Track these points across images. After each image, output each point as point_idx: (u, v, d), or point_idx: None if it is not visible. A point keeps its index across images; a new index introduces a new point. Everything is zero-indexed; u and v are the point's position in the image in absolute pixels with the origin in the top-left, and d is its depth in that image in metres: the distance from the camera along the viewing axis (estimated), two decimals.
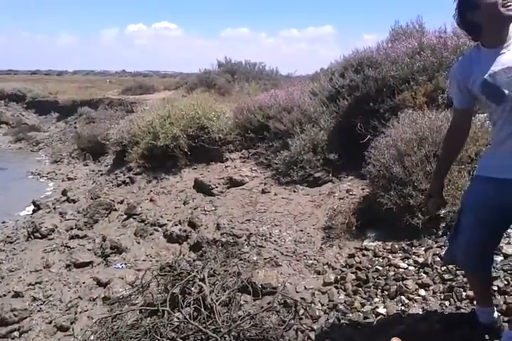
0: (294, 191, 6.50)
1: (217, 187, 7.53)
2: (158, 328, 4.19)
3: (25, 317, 6.00)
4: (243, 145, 8.64)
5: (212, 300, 4.36)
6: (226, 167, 8.20)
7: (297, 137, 7.10)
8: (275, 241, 5.28)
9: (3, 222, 9.79)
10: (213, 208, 6.91)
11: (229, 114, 9.41)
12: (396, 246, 4.04)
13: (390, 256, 3.97)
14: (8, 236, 8.77)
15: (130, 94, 20.83)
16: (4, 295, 6.69)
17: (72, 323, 5.66)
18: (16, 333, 5.78)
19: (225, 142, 8.77)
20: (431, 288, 3.39)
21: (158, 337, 4.09)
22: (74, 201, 9.57)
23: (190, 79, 17.43)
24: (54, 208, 9.55)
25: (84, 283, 6.41)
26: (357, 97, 6.45)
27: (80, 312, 5.81)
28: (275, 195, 6.57)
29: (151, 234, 7.08)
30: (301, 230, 5.32)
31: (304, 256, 4.78)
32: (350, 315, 3.51)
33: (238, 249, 5.42)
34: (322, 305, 3.86)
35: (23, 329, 5.78)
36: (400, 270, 3.71)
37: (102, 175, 11.41)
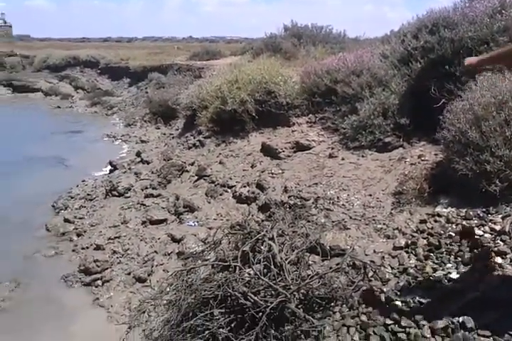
0: (363, 156, 6.35)
1: (283, 151, 7.50)
2: (230, 282, 4.30)
3: (107, 268, 6.39)
4: (310, 110, 8.48)
5: (281, 258, 4.41)
6: (293, 131, 8.12)
7: (366, 101, 6.87)
8: (343, 205, 5.23)
9: (83, 181, 10.30)
10: (280, 171, 6.91)
11: (295, 79, 9.23)
12: (471, 213, 3.88)
13: (464, 222, 3.82)
14: (88, 194, 9.23)
15: (197, 60, 20.89)
16: (87, 248, 7.15)
17: (149, 275, 5.98)
18: (99, 282, 6.19)
19: (291, 106, 8.64)
20: (508, 256, 3.25)
21: (231, 291, 4.21)
22: (148, 162, 9.89)
23: (255, 45, 17.13)
24: (129, 168, 9.93)
25: (159, 238, 6.70)
26: (431, 60, 6.09)
27: (156, 266, 6.11)
28: (342, 159, 6.46)
29: (220, 195, 7.23)
30: (370, 195, 5.23)
31: (373, 220, 4.71)
32: (421, 279, 3.44)
33: (306, 211, 5.43)
34: (392, 268, 3.81)
35: (105, 279, 6.18)
36: (475, 237, 3.57)
37: (173, 138, 11.67)
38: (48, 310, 5.67)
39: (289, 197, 5.98)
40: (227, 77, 10.16)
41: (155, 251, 6.43)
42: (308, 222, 5.15)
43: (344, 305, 3.78)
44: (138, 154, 10.74)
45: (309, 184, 6.05)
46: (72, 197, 9.24)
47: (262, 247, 4.83)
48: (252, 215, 6.11)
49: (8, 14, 63.82)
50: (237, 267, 4.57)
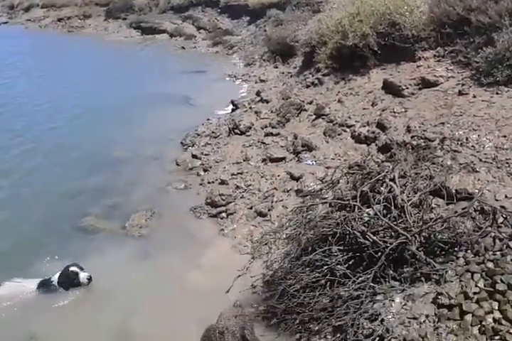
0: (497, 93, 5.76)
1: (407, 88, 7.05)
2: (349, 221, 4.29)
3: (230, 202, 6.75)
4: (438, 43, 7.74)
5: (402, 200, 4.28)
6: (418, 66, 7.54)
7: (505, 31, 6.10)
8: (472, 146, 4.86)
9: (208, 119, 10.71)
10: (403, 110, 6.56)
11: (423, 8, 8.38)
12: None
13: None
14: (212, 132, 9.63)
15: None
16: (213, 182, 7.57)
17: (269, 210, 6.21)
18: (223, 214, 6.59)
19: (417, 39, 7.95)
20: None
21: (350, 229, 4.22)
22: (267, 101, 9.94)
23: None
24: (250, 108, 10.08)
25: (278, 176, 6.86)
26: None
27: (276, 202, 6.32)
28: (474, 97, 5.92)
29: (339, 134, 7.10)
30: (504, 136, 4.78)
31: (507, 163, 4.33)
32: None
33: (430, 153, 5.14)
34: None
35: (229, 212, 6.55)
36: None
37: (291, 76, 11.52)
38: (179, 238, 6.21)
39: (412, 137, 5.69)
40: (347, 9, 9.57)
41: (275, 188, 6.62)
42: (433, 163, 4.89)
43: (469, 251, 3.61)
44: (257, 93, 10.82)
45: (435, 123, 5.68)
46: (198, 135, 9.71)
47: (381, 188, 4.71)
48: (372, 155, 5.95)
49: None
50: (356, 206, 4.54)
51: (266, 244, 4.87)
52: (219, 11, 26.77)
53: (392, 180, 4.65)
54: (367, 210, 4.45)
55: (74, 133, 10.90)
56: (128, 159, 9.14)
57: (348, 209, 4.70)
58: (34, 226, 6.80)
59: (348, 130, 7.07)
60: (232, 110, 10.84)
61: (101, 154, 9.43)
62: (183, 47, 22.73)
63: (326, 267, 4.16)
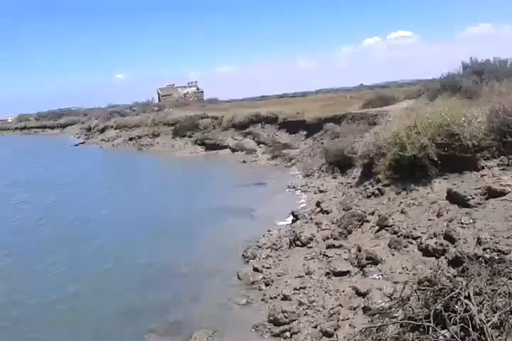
0: None
1: (473, 198, 6.90)
2: None
3: (294, 320, 6.48)
4: (501, 151, 7.74)
5: (481, 320, 3.96)
6: (482, 176, 7.47)
7: None
8: None
9: (269, 231, 10.82)
10: (471, 221, 6.36)
11: (481, 118, 8.56)
12: None
13: None
14: (274, 244, 9.65)
15: (371, 107, 20.93)
16: (275, 297, 7.38)
17: (335, 330, 5.88)
18: (287, 333, 6.29)
19: (478, 149, 7.99)
20: None
21: None
22: (327, 212, 10.01)
23: (431, 86, 16.56)
24: (310, 218, 10.16)
25: (343, 291, 6.61)
26: None
27: (342, 320, 6.00)
28: None
29: (405, 247, 6.90)
30: None
31: None
32: None
33: (506, 267, 4.84)
34: None
35: (293, 331, 6.25)
36: None
37: (350, 187, 11.68)
38: None
39: (484, 249, 5.44)
40: (404, 122, 9.92)
41: (340, 305, 6.34)
42: (510, 279, 4.57)
43: None
44: (317, 204, 10.97)
45: (508, 235, 5.44)
46: (259, 247, 9.75)
47: (456, 306, 4.41)
48: (442, 270, 5.66)
49: (200, 81, 72.49)
50: (430, 328, 4.24)
51: None
52: (277, 126, 28.52)
53: (468, 297, 4.36)
54: (442, 332, 4.13)
55: (136, 246, 11.29)
56: (189, 273, 9.20)
57: (421, 329, 4.39)
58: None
59: (414, 242, 6.87)
60: (293, 221, 10.94)
61: (162, 268, 9.57)
62: (244, 161, 23.97)
63: None
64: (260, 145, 27.18)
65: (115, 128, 44.05)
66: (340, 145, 15.41)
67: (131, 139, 38.24)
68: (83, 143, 45.50)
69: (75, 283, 9.07)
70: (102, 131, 46.37)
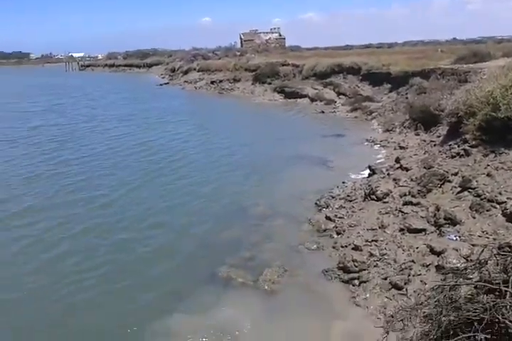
0: None
1: None
2: (499, 308, 3.92)
3: (364, 269, 6.56)
4: None
5: None
6: None
7: None
8: None
9: (343, 182, 10.79)
10: None
11: None
12: None
13: None
14: (348, 195, 9.62)
15: (463, 63, 19.47)
16: (346, 246, 7.47)
17: (405, 284, 5.91)
18: (355, 281, 6.42)
19: None
20: None
21: (500, 317, 3.84)
22: (407, 169, 9.73)
23: None
24: (388, 174, 9.95)
25: (417, 248, 6.55)
26: None
27: (413, 275, 6.00)
28: None
29: (487, 211, 6.63)
30: None
31: None
32: None
33: None
34: None
35: (362, 279, 6.36)
36: None
37: (434, 145, 11.21)
38: (309, 300, 6.16)
39: None
40: (500, 81, 9.23)
41: (412, 261, 6.31)
42: None
43: None
44: (397, 160, 10.67)
45: None
46: (333, 197, 9.78)
47: None
48: None
49: (283, 28, 70.65)
50: (508, 293, 4.13)
51: (401, 320, 4.61)
52: (360, 78, 27.44)
53: None
54: None
55: (216, 183, 11.78)
56: (264, 213, 9.51)
57: (497, 293, 4.29)
58: (177, 272, 7.27)
59: (498, 207, 6.58)
60: (369, 175, 10.78)
61: (241, 206, 9.96)
62: (322, 112, 23.54)
63: None
64: (340, 96, 26.42)
65: (198, 71, 44.47)
66: (426, 101, 14.64)
67: (212, 83, 38.52)
68: (167, 83, 46.65)
69: (157, 216, 9.65)
70: (186, 72, 47.04)
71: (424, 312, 4.54)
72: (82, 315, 6.10)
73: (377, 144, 14.99)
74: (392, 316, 4.95)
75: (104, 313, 6.08)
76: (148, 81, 51.24)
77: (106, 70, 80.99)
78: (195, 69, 45.58)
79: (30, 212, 9.96)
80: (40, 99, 35.06)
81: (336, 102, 25.38)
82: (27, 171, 13.28)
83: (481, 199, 6.94)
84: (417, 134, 13.88)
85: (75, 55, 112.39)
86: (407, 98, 18.87)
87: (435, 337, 4.20)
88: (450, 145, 9.85)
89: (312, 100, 27.28)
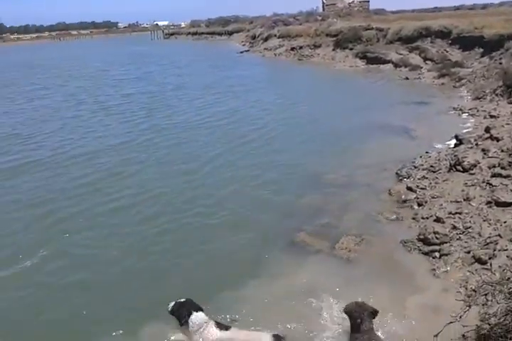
0: None
1: None
2: None
3: (445, 242, 6.33)
4: None
5: None
6: None
7: None
8: None
9: (427, 152, 10.32)
10: None
11: None
12: None
13: None
14: (431, 166, 9.21)
15: None
16: (427, 218, 7.23)
17: (490, 258, 5.64)
18: (436, 253, 6.21)
19: None
20: None
21: None
22: (497, 139, 9.10)
23: None
24: (476, 144, 9.36)
25: (505, 222, 6.20)
26: None
27: (499, 250, 5.71)
28: None
29: None
30: None
31: None
32: None
33: None
34: None
35: (443, 252, 6.14)
36: None
37: None
38: (387, 270, 6.07)
39: None
40: None
41: (499, 235, 5.99)
42: None
43: None
44: (487, 130, 9.99)
45: None
46: (415, 167, 9.42)
47: None
48: None
49: None
50: None
51: (486, 294, 4.44)
52: (449, 42, 25.69)
53: None
54: None
55: (296, 152, 11.74)
56: (342, 183, 9.38)
57: None
58: (255, 239, 7.34)
59: None
60: (455, 145, 10.22)
61: (318, 175, 9.88)
62: (406, 78, 22.43)
63: None
64: (427, 61, 24.91)
65: (278, 37, 43.77)
66: None
67: (292, 49, 37.80)
68: (247, 50, 46.48)
69: (235, 184, 9.88)
70: (266, 39, 46.50)
71: (510, 287, 4.34)
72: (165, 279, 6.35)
73: (465, 113, 14.06)
74: (475, 290, 4.79)
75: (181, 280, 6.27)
76: (230, 48, 51.38)
77: (189, 38, 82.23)
78: (275, 35, 44.88)
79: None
80: (130, 68, 36.58)
81: (421, 68, 24.00)
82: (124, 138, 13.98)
83: None
84: (510, 102, 12.86)
85: (160, 23, 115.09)
86: (500, 63, 17.44)
87: None
88: None
89: (396, 66, 26.01)
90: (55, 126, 16.05)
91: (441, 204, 7.41)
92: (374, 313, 4.59)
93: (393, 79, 22.59)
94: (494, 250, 5.73)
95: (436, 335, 4.21)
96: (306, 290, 5.68)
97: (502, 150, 8.38)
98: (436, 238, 6.38)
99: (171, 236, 7.58)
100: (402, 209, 7.92)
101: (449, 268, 5.79)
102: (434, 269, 5.88)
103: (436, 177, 8.60)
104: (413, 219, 7.40)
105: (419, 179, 8.81)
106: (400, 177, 9.23)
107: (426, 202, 7.78)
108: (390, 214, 7.75)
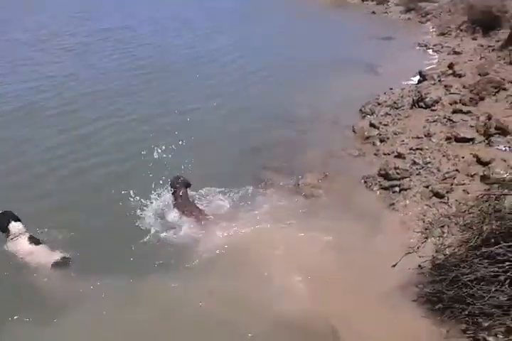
0: None
1: None
2: None
3: (405, 177, 6.40)
4: None
5: None
6: None
7: None
8: None
9: (391, 89, 10.22)
10: None
11: None
12: None
13: None
14: (394, 102, 9.15)
15: None
16: (388, 154, 7.26)
17: (447, 192, 5.76)
18: (396, 188, 6.29)
19: None
20: None
21: None
22: (460, 75, 9.04)
23: None
24: (439, 80, 9.29)
25: (463, 157, 6.27)
26: None
27: (457, 185, 5.82)
28: None
29: None
30: None
31: None
32: None
33: None
34: None
35: (403, 187, 6.22)
36: None
37: (492, 50, 10.27)
38: (348, 204, 6.10)
39: None
40: None
41: (456, 170, 6.08)
42: None
43: None
44: (450, 66, 9.89)
45: None
46: (379, 104, 9.35)
47: None
48: None
49: None
50: None
51: (442, 226, 4.57)
52: None
53: None
54: None
55: (258, 89, 11.40)
56: (307, 119, 9.25)
57: None
58: (219, 173, 7.11)
59: None
60: (419, 81, 10.13)
61: (282, 112, 9.68)
62: (373, 12, 21.75)
63: (508, 263, 3.77)
64: None
65: None
66: (488, 2, 13.14)
67: None
68: None
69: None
70: None
71: (466, 220, 4.46)
72: None
73: (429, 49, 13.87)
74: (432, 223, 4.91)
75: None
76: None
77: None
78: None
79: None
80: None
81: (388, 2, 23.22)
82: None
83: None
84: (475, 38, 12.70)
85: None
86: None
87: (475, 244, 4.15)
88: (510, 50, 8.96)
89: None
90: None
91: (403, 141, 7.43)
92: (187, 184, 5.95)
93: (360, 14, 21.83)
94: (452, 184, 5.84)
95: (393, 266, 4.33)
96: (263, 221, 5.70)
97: (464, 87, 8.35)
98: (397, 173, 6.44)
99: None
100: (365, 145, 7.93)
101: (407, 202, 5.90)
102: (393, 204, 5.98)
103: (399, 114, 8.58)
104: (375, 155, 7.44)
105: (382, 115, 8.79)
106: (364, 114, 9.19)
107: (388, 138, 7.78)
108: (353, 151, 7.76)
